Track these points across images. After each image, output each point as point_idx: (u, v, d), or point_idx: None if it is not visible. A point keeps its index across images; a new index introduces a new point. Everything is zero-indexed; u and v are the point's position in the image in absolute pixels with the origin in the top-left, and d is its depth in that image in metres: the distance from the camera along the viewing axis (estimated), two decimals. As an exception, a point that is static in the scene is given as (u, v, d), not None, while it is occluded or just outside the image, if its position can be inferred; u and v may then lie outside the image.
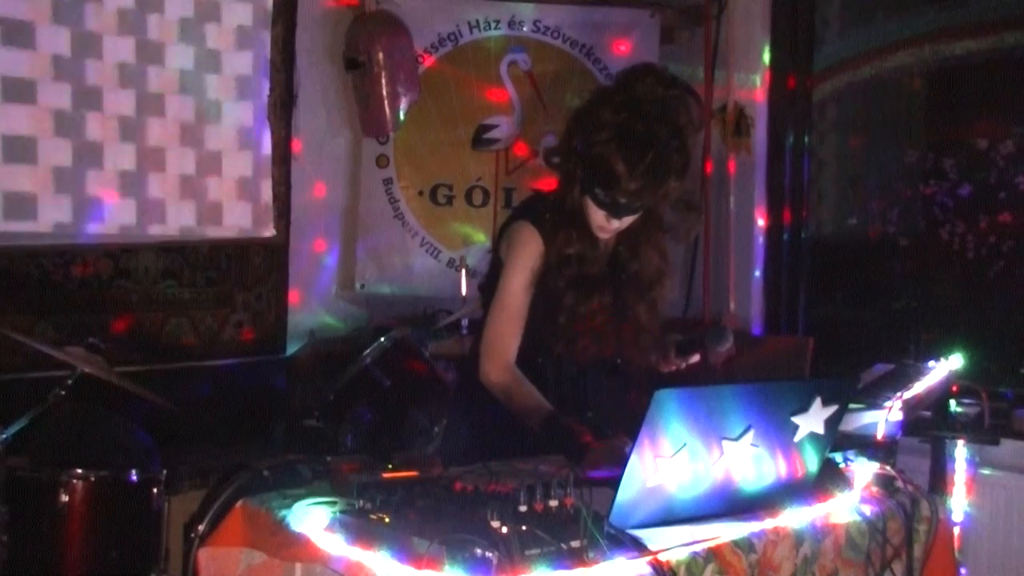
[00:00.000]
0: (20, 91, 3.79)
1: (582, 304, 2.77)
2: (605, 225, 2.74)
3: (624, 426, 2.48)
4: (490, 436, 2.78)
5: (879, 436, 2.68)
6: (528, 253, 2.75)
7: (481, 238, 5.00)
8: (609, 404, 2.91)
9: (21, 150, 3.80)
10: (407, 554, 1.81)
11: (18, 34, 3.76)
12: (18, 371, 3.81)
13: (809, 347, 4.38)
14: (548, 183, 2.99)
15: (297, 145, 4.77)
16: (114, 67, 4.02)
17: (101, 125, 3.99)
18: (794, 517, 2.17)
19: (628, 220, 2.74)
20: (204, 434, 4.17)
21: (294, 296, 4.84)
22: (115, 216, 4.06)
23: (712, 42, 4.89)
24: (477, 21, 4.96)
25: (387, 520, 1.92)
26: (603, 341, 2.84)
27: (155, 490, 3.21)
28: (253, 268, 4.68)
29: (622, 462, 1.98)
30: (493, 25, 4.98)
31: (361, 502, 1.98)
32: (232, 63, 4.39)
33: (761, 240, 4.93)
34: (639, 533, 1.96)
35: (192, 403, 4.16)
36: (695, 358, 2.90)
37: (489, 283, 2.91)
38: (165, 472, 3.26)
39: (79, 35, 3.91)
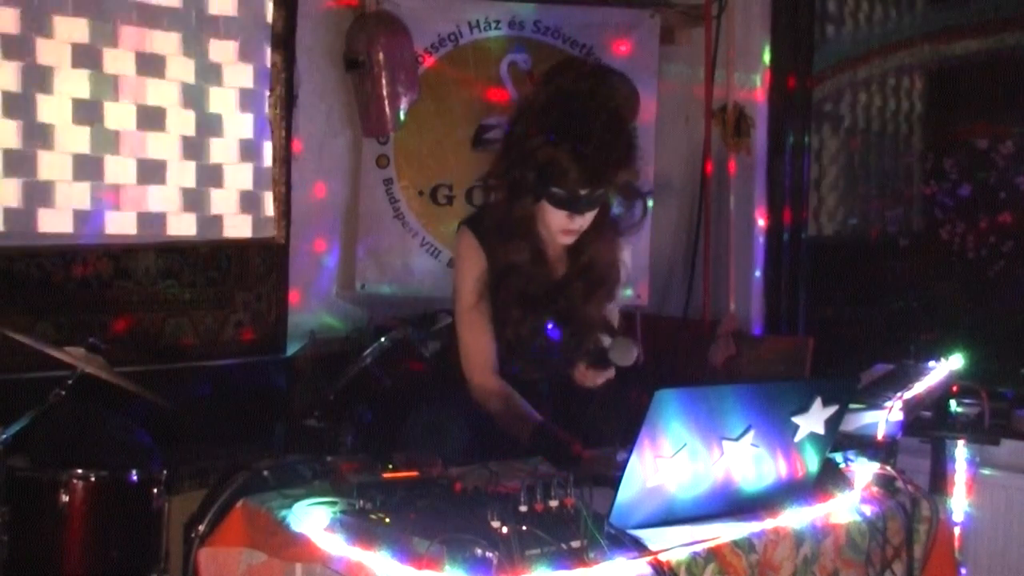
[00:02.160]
0: (19, 104, 3.79)
1: (529, 317, 2.74)
2: (568, 226, 2.71)
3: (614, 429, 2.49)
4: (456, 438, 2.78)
5: (879, 436, 2.68)
6: (469, 262, 2.74)
7: (481, 238, 5.00)
8: (598, 408, 2.90)
9: (21, 162, 3.80)
10: (407, 554, 1.81)
11: (17, 49, 3.77)
12: (18, 371, 3.81)
13: (809, 347, 4.39)
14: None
15: (297, 145, 4.77)
16: (114, 79, 4.02)
17: (101, 137, 4.00)
18: (794, 517, 2.17)
19: (589, 216, 2.71)
20: (204, 434, 4.17)
21: (294, 296, 4.84)
22: (115, 227, 4.06)
23: (712, 42, 4.89)
24: (477, 21, 4.96)
25: (387, 520, 1.92)
26: (552, 353, 2.80)
27: (155, 490, 3.21)
28: (253, 268, 4.68)
29: (614, 471, 1.99)
30: (493, 25, 4.97)
31: (361, 502, 1.98)
32: (232, 74, 4.39)
33: (761, 240, 4.93)
34: (639, 533, 1.96)
35: (192, 403, 4.15)
36: (610, 373, 2.72)
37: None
38: (165, 472, 3.26)
39: (78, 48, 3.92)
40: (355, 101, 4.82)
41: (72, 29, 3.89)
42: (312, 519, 2.04)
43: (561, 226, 2.71)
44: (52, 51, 3.85)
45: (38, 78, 3.83)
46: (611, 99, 2.66)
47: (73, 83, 3.91)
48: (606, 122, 2.62)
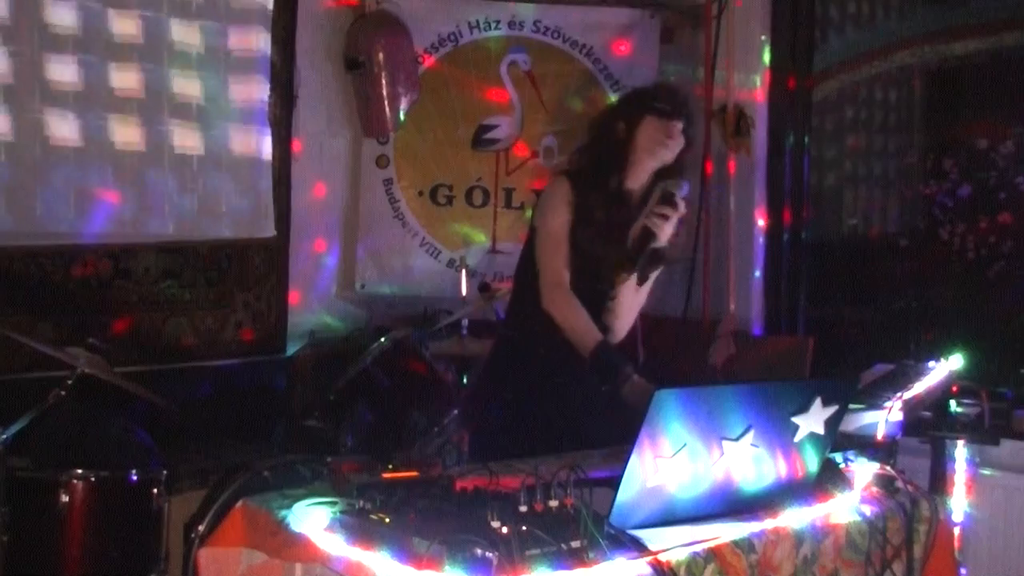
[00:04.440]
0: (18, 94, 3.79)
1: (613, 247, 3.04)
2: (667, 141, 3.07)
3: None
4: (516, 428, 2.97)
5: (879, 436, 2.68)
6: (559, 199, 3.05)
7: (481, 238, 5.01)
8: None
9: (22, 147, 3.80)
10: (407, 554, 1.81)
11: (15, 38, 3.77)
12: (18, 371, 3.81)
13: (809, 347, 4.38)
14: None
15: (297, 145, 4.77)
16: (113, 66, 4.02)
17: (101, 124, 3.99)
18: (794, 517, 2.17)
19: (680, 140, 3.10)
20: (204, 434, 4.17)
21: (294, 296, 4.84)
22: (115, 214, 4.06)
23: (712, 42, 4.89)
24: (477, 21, 4.96)
25: (387, 520, 1.91)
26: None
27: (155, 490, 3.21)
28: (253, 268, 4.68)
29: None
30: (493, 25, 4.98)
31: (361, 502, 1.98)
32: (231, 63, 4.38)
33: (761, 240, 4.93)
34: (639, 533, 1.96)
35: (192, 403, 4.16)
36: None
37: (526, 250, 3.16)
38: (165, 472, 3.26)
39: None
40: (355, 101, 4.82)
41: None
42: (312, 519, 2.04)
43: (661, 141, 3.07)
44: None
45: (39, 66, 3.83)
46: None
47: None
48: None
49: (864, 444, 2.64)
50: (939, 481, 3.52)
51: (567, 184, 3.07)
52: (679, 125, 3.09)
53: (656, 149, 3.09)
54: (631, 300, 3.14)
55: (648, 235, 2.99)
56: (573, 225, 3.03)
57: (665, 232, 3.00)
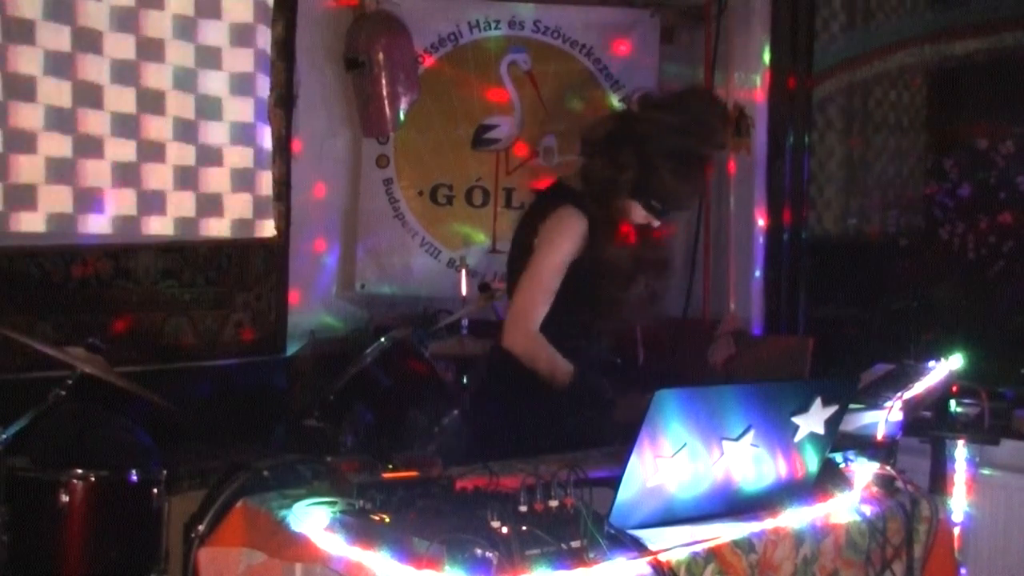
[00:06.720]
0: (21, 87, 3.78)
1: (621, 291, 3.02)
2: (644, 224, 3.03)
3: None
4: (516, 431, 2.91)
5: (879, 436, 2.68)
6: (573, 236, 2.94)
7: (481, 238, 5.01)
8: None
9: (22, 144, 3.79)
10: (407, 554, 1.81)
11: (19, 31, 3.76)
12: (18, 371, 3.81)
13: (809, 347, 4.38)
14: (548, 183, 3.19)
15: (297, 145, 4.77)
16: (113, 63, 4.01)
17: (100, 120, 3.99)
18: (794, 517, 2.17)
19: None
20: (204, 434, 4.17)
21: (294, 296, 4.84)
22: (114, 208, 4.05)
23: (712, 42, 4.89)
24: (477, 21, 4.96)
25: (387, 520, 1.92)
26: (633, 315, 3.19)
27: (155, 490, 3.21)
28: (253, 268, 4.68)
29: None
30: (493, 25, 4.98)
31: (361, 502, 1.98)
32: (231, 59, 4.37)
33: (761, 240, 4.93)
34: (639, 533, 1.96)
35: (192, 403, 4.15)
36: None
37: (518, 264, 3.05)
38: (165, 472, 3.25)
39: (78, 31, 3.91)
40: (355, 101, 4.82)
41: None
42: (312, 519, 2.04)
43: (638, 221, 3.02)
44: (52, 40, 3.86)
45: (40, 64, 3.82)
46: (720, 137, 3.05)
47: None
48: (710, 158, 3.05)
49: (864, 444, 2.64)
50: (939, 481, 3.52)
51: (580, 217, 2.95)
52: (656, 223, 3.04)
53: (640, 223, 3.04)
54: None
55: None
56: (585, 260, 2.94)
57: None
